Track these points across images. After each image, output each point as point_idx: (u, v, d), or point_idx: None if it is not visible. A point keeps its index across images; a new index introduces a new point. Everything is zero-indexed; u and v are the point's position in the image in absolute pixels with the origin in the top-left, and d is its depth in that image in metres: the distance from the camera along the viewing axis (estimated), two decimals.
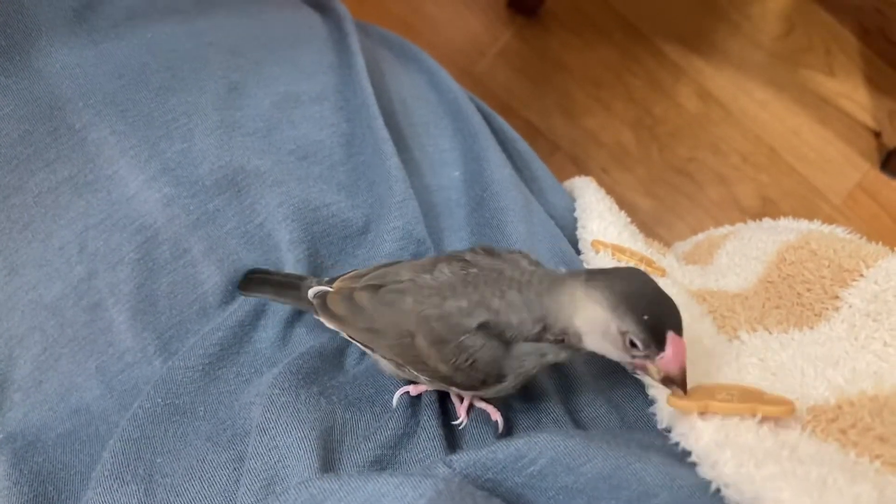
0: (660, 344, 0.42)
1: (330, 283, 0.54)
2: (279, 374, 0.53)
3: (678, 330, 0.42)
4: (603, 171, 1.43)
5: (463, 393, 0.53)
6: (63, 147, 0.58)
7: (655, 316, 0.42)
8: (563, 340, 0.46)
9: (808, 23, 1.51)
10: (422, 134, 0.72)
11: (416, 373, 0.49)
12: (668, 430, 0.45)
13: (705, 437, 0.41)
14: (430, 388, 0.54)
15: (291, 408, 0.51)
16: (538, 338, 0.45)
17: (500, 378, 0.47)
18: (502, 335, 0.46)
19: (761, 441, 0.41)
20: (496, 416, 0.53)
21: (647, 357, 0.43)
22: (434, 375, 0.49)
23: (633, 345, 0.43)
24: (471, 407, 0.54)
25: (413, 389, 0.54)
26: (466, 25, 1.51)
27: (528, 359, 0.46)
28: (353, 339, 0.53)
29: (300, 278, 0.57)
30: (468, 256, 0.49)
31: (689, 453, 0.42)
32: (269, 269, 0.60)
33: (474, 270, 0.48)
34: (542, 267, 0.49)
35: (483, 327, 0.46)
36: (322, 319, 0.54)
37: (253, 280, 0.60)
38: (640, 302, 0.42)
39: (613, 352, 0.44)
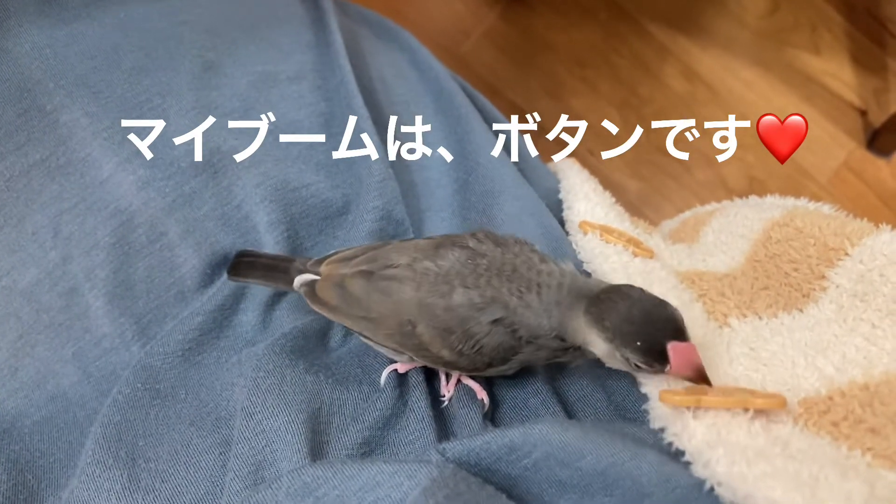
0: (661, 358, 0.43)
1: (317, 265, 0.53)
2: (263, 357, 0.52)
3: (679, 336, 0.43)
4: (589, 153, 1.42)
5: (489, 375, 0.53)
6: (34, 129, 0.57)
7: (647, 338, 0.43)
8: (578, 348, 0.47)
9: (794, 1, 1.50)
10: (402, 113, 0.71)
11: (417, 358, 0.49)
12: (662, 430, 0.44)
13: (698, 435, 0.41)
14: (418, 366, 0.53)
15: (277, 390, 0.50)
16: (556, 342, 0.47)
17: (504, 361, 0.47)
18: (515, 332, 0.46)
19: (753, 438, 0.41)
20: (482, 394, 0.52)
21: (657, 371, 0.44)
22: (437, 361, 0.48)
23: (638, 367, 0.44)
24: (458, 382, 0.53)
25: (401, 367, 0.53)
26: (450, 6, 1.49)
27: (543, 352, 0.47)
28: (350, 328, 0.52)
29: (288, 260, 0.56)
30: (472, 244, 0.48)
31: (683, 453, 0.42)
32: (256, 252, 0.59)
33: (484, 262, 0.47)
34: (551, 263, 0.49)
35: (496, 323, 0.45)
36: (313, 307, 0.53)
37: (241, 264, 0.58)
38: (630, 329, 0.44)
39: (627, 370, 0.46)
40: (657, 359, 0.43)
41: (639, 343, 0.43)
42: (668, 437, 0.43)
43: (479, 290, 0.46)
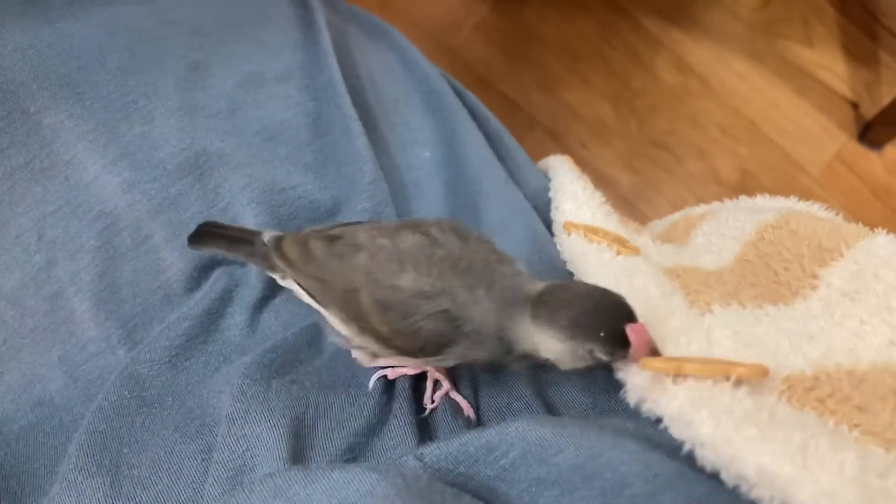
0: (624, 344, 0.43)
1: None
2: (250, 365, 0.52)
3: (632, 318, 0.43)
4: (582, 146, 1.42)
5: (438, 376, 0.52)
6: (17, 132, 0.56)
7: (609, 325, 0.43)
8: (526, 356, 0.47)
9: None
10: (391, 112, 0.71)
11: (357, 330, 0.49)
12: (640, 405, 0.43)
13: (679, 397, 0.40)
14: (408, 374, 0.53)
15: (262, 397, 0.50)
16: (497, 344, 0.46)
17: (439, 349, 0.46)
18: (458, 327, 0.45)
19: (739, 402, 0.40)
20: (469, 411, 0.52)
21: (618, 359, 0.44)
22: (375, 335, 0.48)
23: (600, 359, 0.44)
24: (445, 396, 0.53)
25: (391, 373, 0.53)
26: None
27: (481, 351, 0.46)
28: (301, 286, 0.52)
29: (254, 233, 0.56)
30: (434, 231, 0.48)
31: (663, 440, 0.41)
32: (222, 223, 0.58)
33: (441, 252, 0.47)
34: (507, 264, 0.48)
35: (441, 314, 0.45)
36: (276, 263, 0.53)
37: (204, 234, 0.57)
38: (589, 322, 0.43)
39: (585, 365, 0.45)
40: (621, 345, 0.43)
41: (602, 334, 0.43)
42: (647, 406, 0.42)
43: (430, 278, 0.45)
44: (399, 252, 0.47)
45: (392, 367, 0.53)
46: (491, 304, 0.45)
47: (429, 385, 0.53)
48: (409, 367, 0.52)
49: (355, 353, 0.53)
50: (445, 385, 0.53)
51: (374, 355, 0.52)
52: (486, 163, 0.66)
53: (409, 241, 0.47)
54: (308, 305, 0.54)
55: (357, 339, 0.50)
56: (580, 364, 0.45)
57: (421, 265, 0.46)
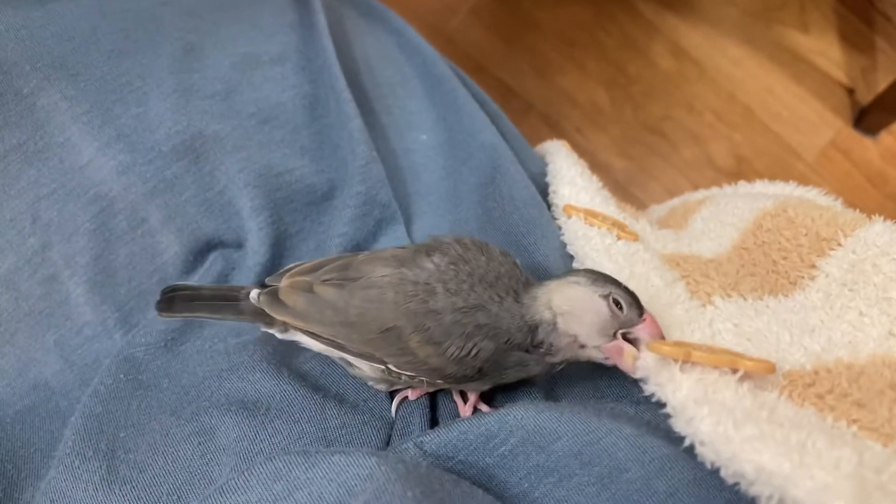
0: (640, 307, 0.45)
1: (276, 278, 0.50)
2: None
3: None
4: (577, 132, 1.42)
5: (467, 389, 0.51)
6: (10, 113, 0.56)
7: (629, 289, 0.46)
8: (539, 346, 0.46)
9: None
10: (388, 95, 0.70)
11: (395, 369, 0.47)
12: (644, 383, 0.43)
13: (684, 389, 0.40)
14: (429, 390, 0.52)
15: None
16: (526, 348, 0.46)
17: (490, 371, 0.46)
18: (497, 339, 0.45)
19: (740, 400, 0.40)
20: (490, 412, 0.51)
21: (629, 322, 0.45)
22: (419, 369, 0.46)
23: (617, 305, 0.45)
24: (473, 407, 0.52)
25: (412, 394, 0.52)
26: None
27: (511, 372, 0.47)
28: (318, 336, 0.49)
29: (237, 290, 0.51)
30: (456, 250, 0.47)
31: (661, 424, 0.41)
32: (193, 285, 0.53)
33: (466, 268, 0.46)
34: (530, 277, 0.49)
35: (479, 329, 0.44)
36: (273, 316, 0.48)
37: (177, 298, 0.51)
38: (609, 277, 0.46)
39: (594, 326, 0.45)
40: (637, 303, 0.45)
41: (621, 282, 0.46)
42: (650, 387, 0.42)
43: (461, 295, 0.45)
44: (424, 280, 0.46)
45: (411, 387, 0.52)
46: (518, 309, 0.46)
47: (457, 398, 0.53)
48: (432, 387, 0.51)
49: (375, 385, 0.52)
50: (472, 397, 0.52)
51: (392, 384, 0.51)
52: (490, 150, 0.65)
53: (430, 265, 0.46)
54: None
55: (403, 373, 0.48)
56: (588, 319, 0.45)
57: (450, 283, 0.45)
